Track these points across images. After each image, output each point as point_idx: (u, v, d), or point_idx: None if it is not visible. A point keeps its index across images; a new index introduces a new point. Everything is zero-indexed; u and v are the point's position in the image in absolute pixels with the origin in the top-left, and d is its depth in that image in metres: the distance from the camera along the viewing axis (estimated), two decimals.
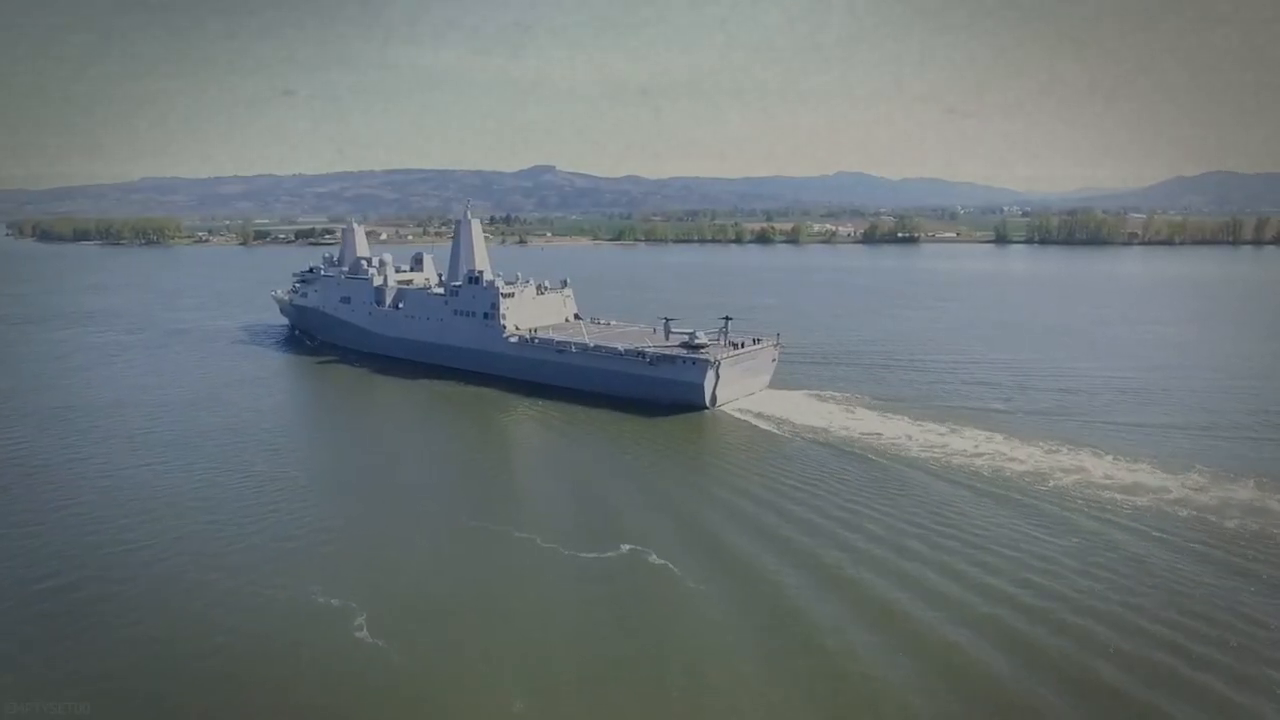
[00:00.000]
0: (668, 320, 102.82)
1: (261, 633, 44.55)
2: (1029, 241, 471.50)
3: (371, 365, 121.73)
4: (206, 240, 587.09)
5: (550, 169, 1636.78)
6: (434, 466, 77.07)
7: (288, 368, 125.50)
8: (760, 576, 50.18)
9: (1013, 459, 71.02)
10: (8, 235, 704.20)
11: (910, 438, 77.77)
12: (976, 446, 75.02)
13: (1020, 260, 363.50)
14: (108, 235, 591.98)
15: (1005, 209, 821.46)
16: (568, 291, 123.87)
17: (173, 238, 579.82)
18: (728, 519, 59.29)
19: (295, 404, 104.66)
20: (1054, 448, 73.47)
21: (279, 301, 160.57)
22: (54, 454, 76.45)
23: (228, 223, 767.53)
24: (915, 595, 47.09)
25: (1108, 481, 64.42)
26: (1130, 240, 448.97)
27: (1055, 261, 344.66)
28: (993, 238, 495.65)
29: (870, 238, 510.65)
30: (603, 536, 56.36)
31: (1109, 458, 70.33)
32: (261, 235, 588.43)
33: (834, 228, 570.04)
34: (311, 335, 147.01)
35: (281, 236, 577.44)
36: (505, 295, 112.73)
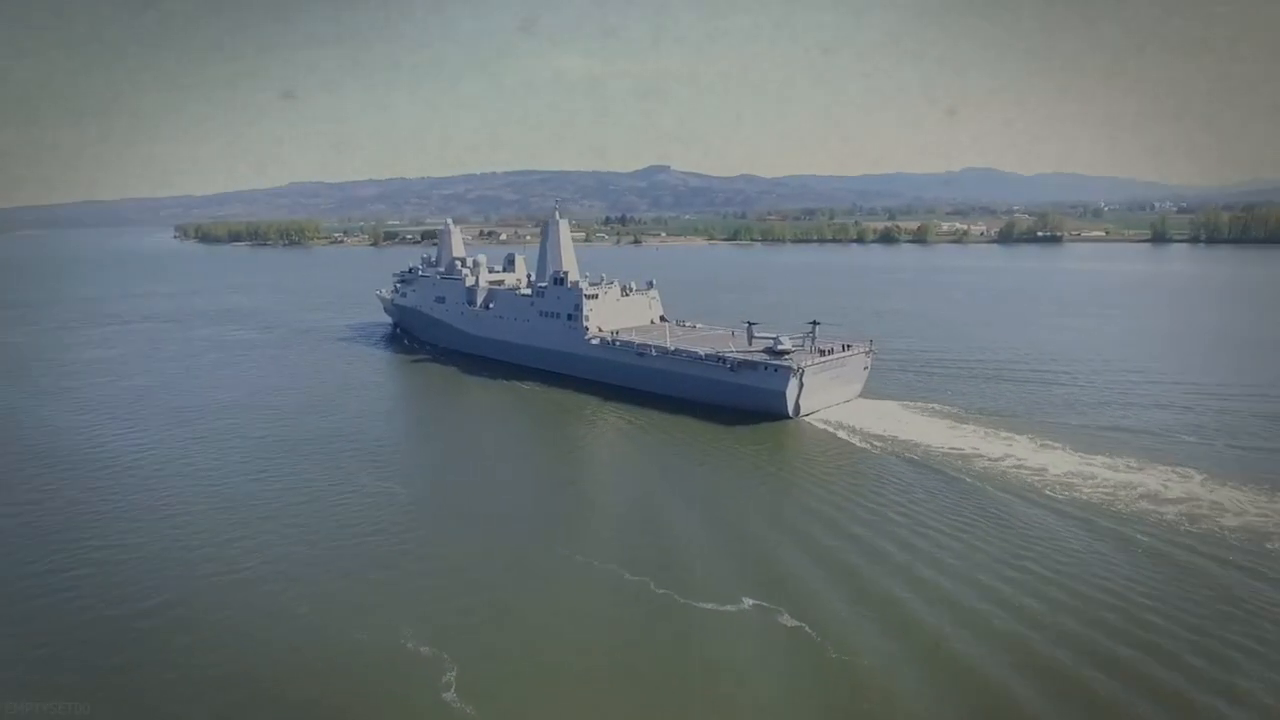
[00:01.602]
0: (751, 324, 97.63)
1: (340, 679, 40.06)
2: (1193, 240, 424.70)
3: (463, 366, 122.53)
4: (341, 241, 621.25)
5: (665, 169, 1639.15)
6: (531, 485, 71.80)
7: (388, 368, 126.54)
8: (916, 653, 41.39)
9: (1216, 505, 58.29)
10: (175, 237, 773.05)
11: (1084, 477, 65.33)
12: (1164, 486, 62.56)
13: (1187, 262, 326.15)
14: (256, 237, 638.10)
15: (1157, 205, 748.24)
16: (653, 293, 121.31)
17: (312, 239, 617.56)
18: (845, 569, 50.49)
19: (396, 409, 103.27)
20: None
21: (383, 301, 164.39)
22: (172, 458, 76.92)
23: (361, 224, 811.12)
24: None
25: None
26: None
27: (1231, 263, 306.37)
28: (1148, 236, 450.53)
29: (1006, 237, 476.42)
30: (717, 583, 49.18)
31: None
32: (390, 236, 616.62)
33: (965, 226, 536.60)
34: (411, 334, 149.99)
35: (409, 237, 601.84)
36: (589, 296, 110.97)
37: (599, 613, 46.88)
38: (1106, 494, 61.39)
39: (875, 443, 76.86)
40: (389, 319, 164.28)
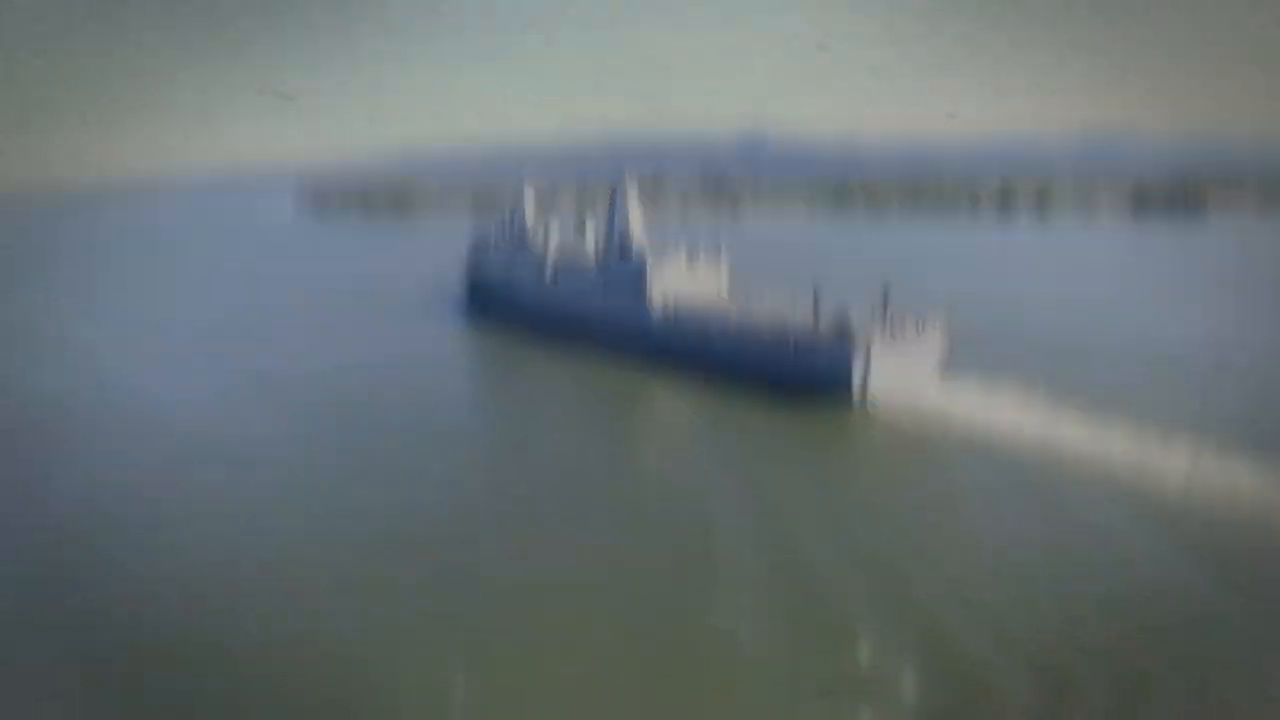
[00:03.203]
0: (817, 297, 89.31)
1: None
2: None
3: (529, 336, 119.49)
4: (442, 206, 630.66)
5: (762, 133, 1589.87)
6: (599, 485, 65.71)
7: (460, 341, 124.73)
8: None
9: None
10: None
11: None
12: None
13: None
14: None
15: None
16: (722, 263, 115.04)
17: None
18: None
19: (461, 390, 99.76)
20: None
21: (462, 269, 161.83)
22: (256, 440, 75.48)
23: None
24: None
25: None
26: None
27: None
28: None
29: (1141, 205, 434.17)
30: (817, 632, 41.68)
31: None
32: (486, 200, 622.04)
33: (1094, 193, 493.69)
34: (485, 304, 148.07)
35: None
36: (652, 267, 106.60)
37: (694, 695, 39.35)
38: None
39: (957, 434, 69.07)
40: (466, 287, 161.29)
